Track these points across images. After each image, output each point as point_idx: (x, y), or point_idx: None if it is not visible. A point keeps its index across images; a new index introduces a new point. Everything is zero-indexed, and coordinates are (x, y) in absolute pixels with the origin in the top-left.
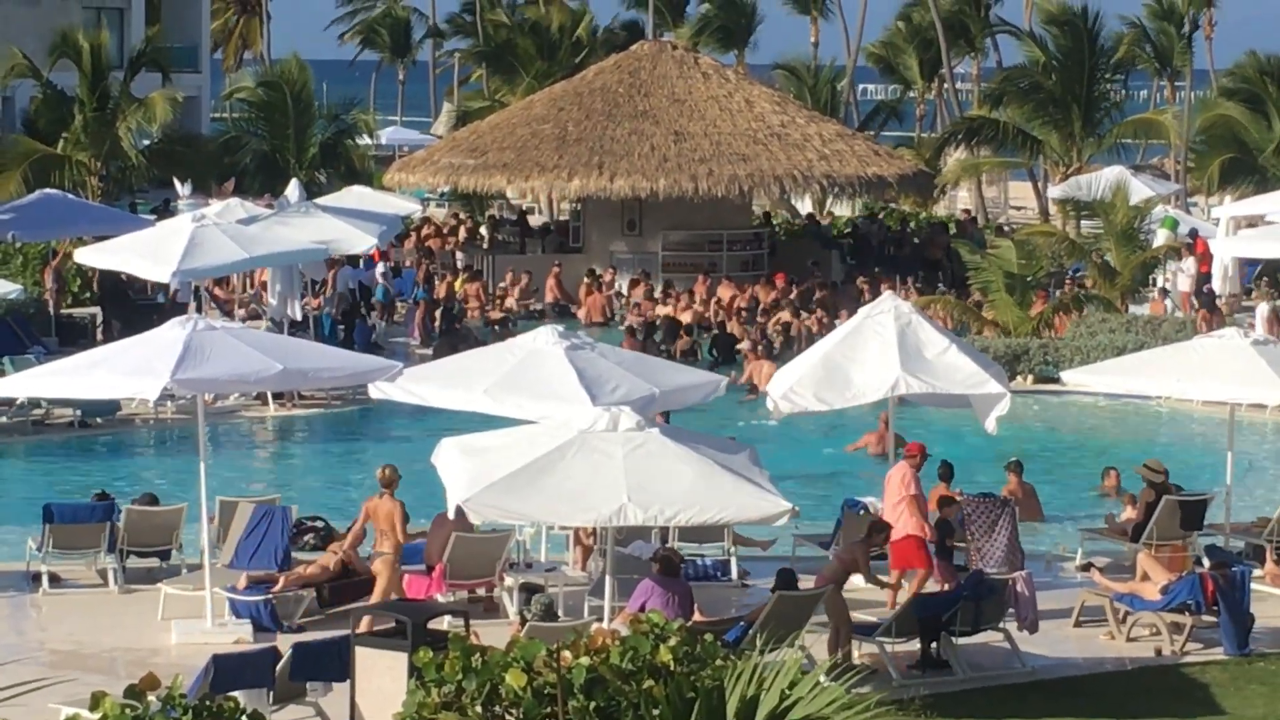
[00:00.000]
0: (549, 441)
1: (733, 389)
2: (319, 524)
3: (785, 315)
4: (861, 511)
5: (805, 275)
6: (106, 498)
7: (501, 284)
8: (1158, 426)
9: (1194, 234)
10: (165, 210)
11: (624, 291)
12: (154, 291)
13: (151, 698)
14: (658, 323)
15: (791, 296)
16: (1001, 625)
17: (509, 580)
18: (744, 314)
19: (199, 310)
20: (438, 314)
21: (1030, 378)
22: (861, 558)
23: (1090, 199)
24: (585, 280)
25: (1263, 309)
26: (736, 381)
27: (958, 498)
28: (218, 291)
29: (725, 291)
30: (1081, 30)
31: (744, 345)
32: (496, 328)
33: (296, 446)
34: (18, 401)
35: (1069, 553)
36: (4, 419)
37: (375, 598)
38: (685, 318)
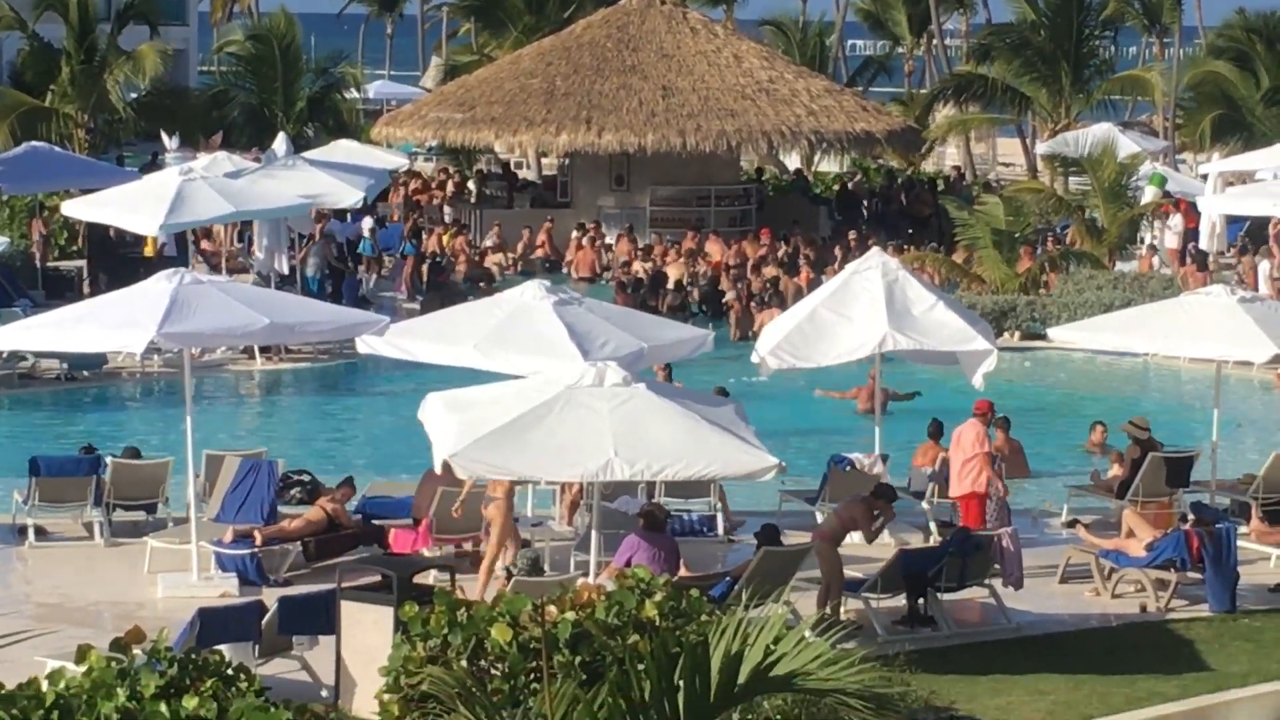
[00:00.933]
0: (536, 397)
1: (723, 344)
2: (305, 478)
3: (771, 271)
4: (848, 468)
5: (792, 231)
6: (92, 451)
7: (486, 241)
8: (1144, 383)
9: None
10: (153, 164)
11: (613, 246)
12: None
13: (137, 651)
14: (643, 278)
15: (779, 253)
16: (987, 581)
17: None
18: (731, 270)
19: (184, 264)
20: (425, 269)
21: (1017, 334)
22: (863, 517)
23: (1078, 155)
24: (574, 235)
25: (1264, 266)
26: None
27: (944, 453)
28: (205, 245)
29: (713, 247)
30: None
31: (730, 296)
32: (482, 283)
33: (283, 400)
34: (3, 355)
35: (1055, 509)
36: None
37: (492, 544)
38: (673, 273)
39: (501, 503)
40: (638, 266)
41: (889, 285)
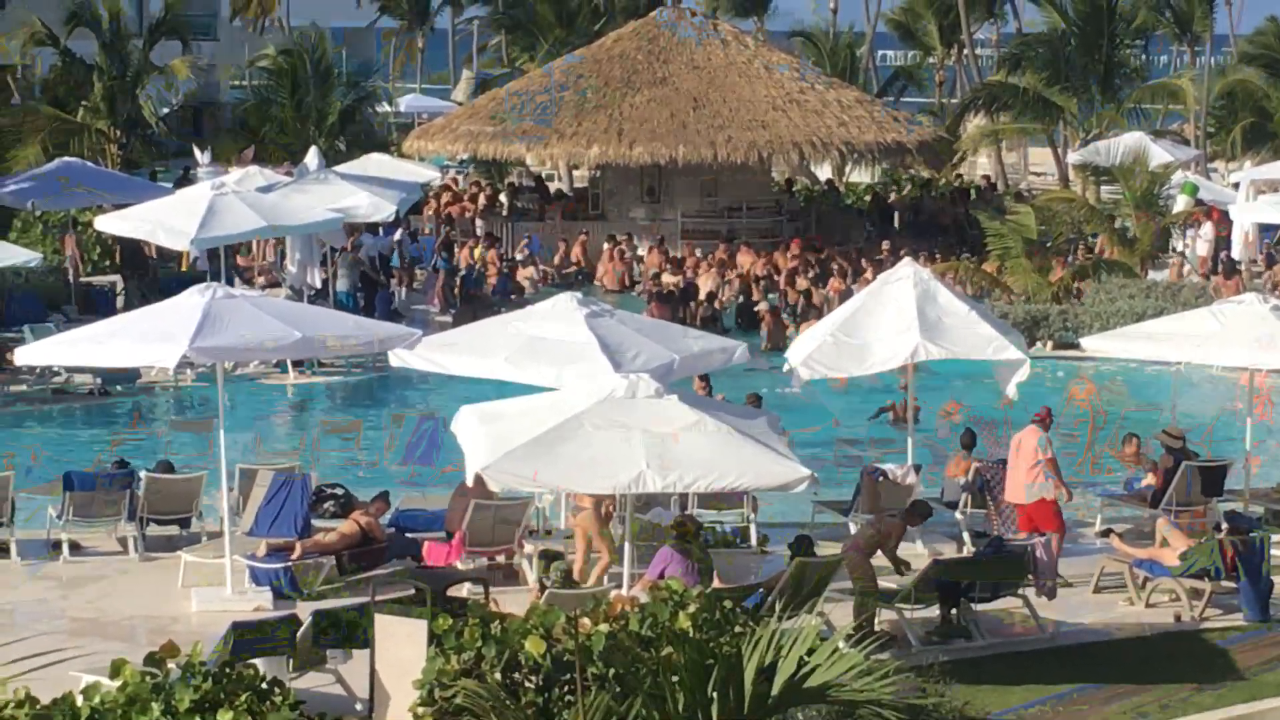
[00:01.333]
0: (568, 409)
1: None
2: (339, 491)
3: (803, 283)
4: (881, 478)
5: (826, 242)
6: (125, 466)
7: (517, 253)
8: (1177, 392)
9: (1202, 204)
10: (185, 179)
11: (643, 258)
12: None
13: (171, 665)
14: (674, 290)
15: (811, 264)
16: (1020, 591)
17: (528, 548)
18: (761, 281)
19: (222, 279)
20: (457, 282)
21: (1050, 343)
22: (897, 535)
23: (1110, 164)
24: (606, 247)
25: None
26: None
27: (978, 464)
28: (237, 259)
29: (744, 258)
30: None
31: (762, 307)
32: (514, 295)
33: (316, 413)
34: (37, 370)
35: (1088, 519)
36: (24, 387)
37: (578, 555)
38: (704, 284)
39: (589, 512)
40: (668, 279)
41: (920, 295)
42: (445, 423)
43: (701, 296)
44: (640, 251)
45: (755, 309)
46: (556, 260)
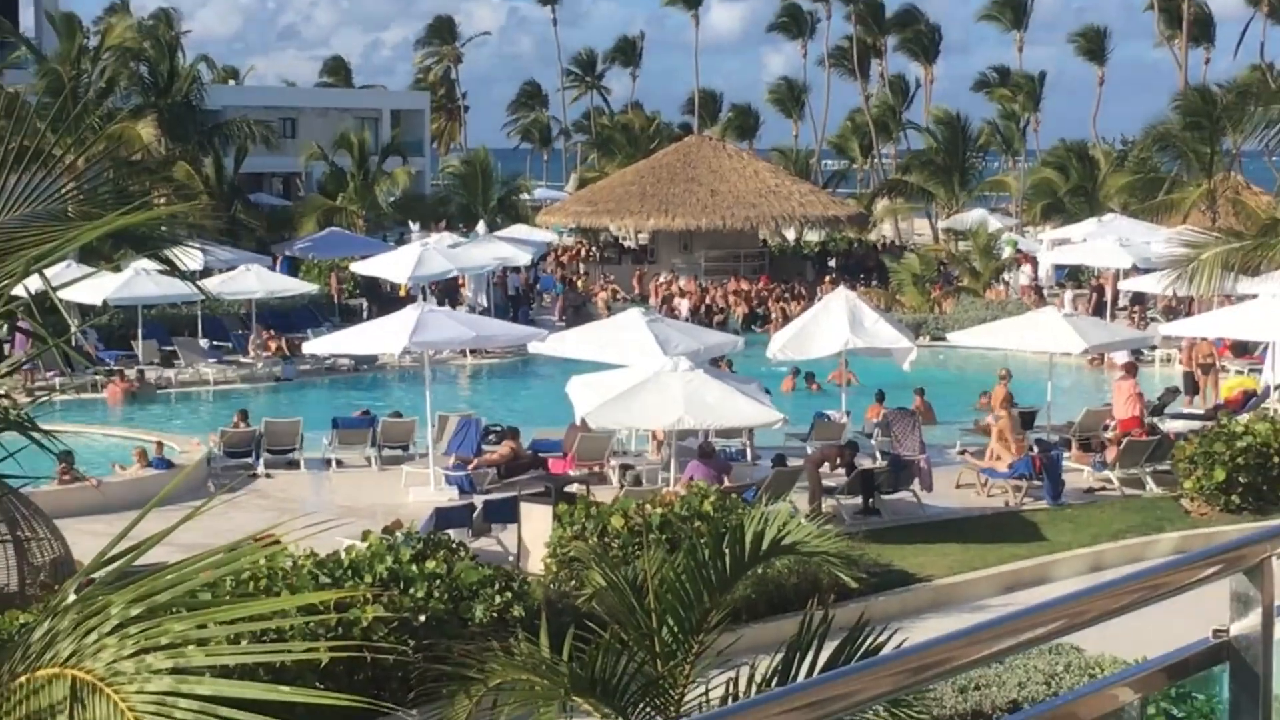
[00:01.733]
0: (637, 377)
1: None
2: (498, 428)
3: (774, 303)
4: (826, 419)
5: (790, 278)
6: (368, 414)
7: (601, 282)
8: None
9: (1021, 252)
10: (402, 240)
11: (682, 288)
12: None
13: (398, 534)
14: (700, 307)
15: (779, 290)
16: (911, 488)
17: (613, 462)
18: (752, 300)
19: (427, 300)
20: (569, 302)
21: (928, 337)
22: (832, 458)
23: (965, 229)
24: (654, 281)
25: (1068, 295)
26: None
27: (885, 411)
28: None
29: (743, 285)
30: (958, 127)
31: (776, 315)
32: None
33: (483, 382)
34: (316, 356)
35: (950, 444)
36: (308, 366)
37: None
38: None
39: (1005, 416)
40: (679, 303)
41: (850, 309)
42: (478, 423)
43: (717, 310)
44: (678, 285)
45: (765, 317)
46: (640, 286)
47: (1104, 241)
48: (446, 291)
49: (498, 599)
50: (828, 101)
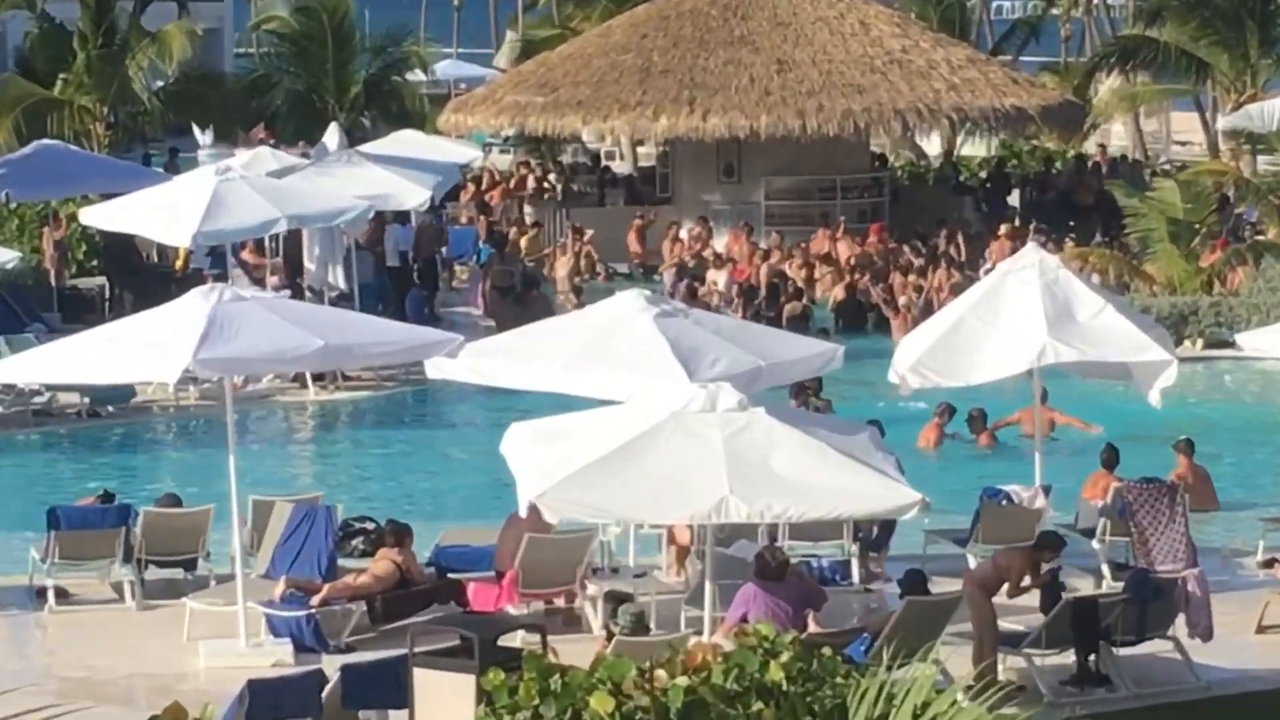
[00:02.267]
0: (637, 424)
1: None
2: (369, 525)
3: (914, 278)
4: (1003, 501)
5: (930, 230)
6: (111, 498)
7: (561, 240)
8: None
9: None
10: (173, 161)
11: (719, 250)
12: (176, 259)
13: None
14: (757, 286)
15: (910, 253)
16: (1170, 633)
17: (592, 589)
18: (856, 271)
19: (228, 280)
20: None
21: (1200, 341)
22: (1023, 569)
23: (1267, 130)
24: (668, 238)
25: None
26: None
27: (1118, 484)
28: (246, 256)
29: (842, 247)
30: None
31: (903, 302)
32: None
33: (341, 435)
34: (17, 388)
35: (1248, 546)
36: (1, 409)
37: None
38: (795, 277)
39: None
40: (716, 278)
41: (1048, 287)
42: (331, 515)
43: (790, 291)
44: (716, 243)
45: (867, 305)
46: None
47: None
48: (287, 260)
49: None
50: None
